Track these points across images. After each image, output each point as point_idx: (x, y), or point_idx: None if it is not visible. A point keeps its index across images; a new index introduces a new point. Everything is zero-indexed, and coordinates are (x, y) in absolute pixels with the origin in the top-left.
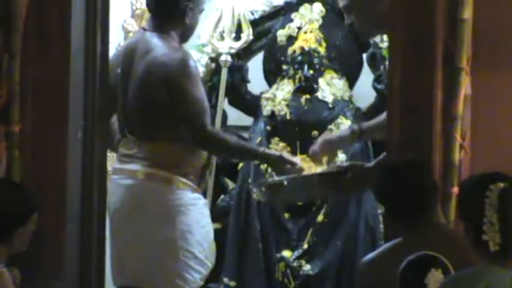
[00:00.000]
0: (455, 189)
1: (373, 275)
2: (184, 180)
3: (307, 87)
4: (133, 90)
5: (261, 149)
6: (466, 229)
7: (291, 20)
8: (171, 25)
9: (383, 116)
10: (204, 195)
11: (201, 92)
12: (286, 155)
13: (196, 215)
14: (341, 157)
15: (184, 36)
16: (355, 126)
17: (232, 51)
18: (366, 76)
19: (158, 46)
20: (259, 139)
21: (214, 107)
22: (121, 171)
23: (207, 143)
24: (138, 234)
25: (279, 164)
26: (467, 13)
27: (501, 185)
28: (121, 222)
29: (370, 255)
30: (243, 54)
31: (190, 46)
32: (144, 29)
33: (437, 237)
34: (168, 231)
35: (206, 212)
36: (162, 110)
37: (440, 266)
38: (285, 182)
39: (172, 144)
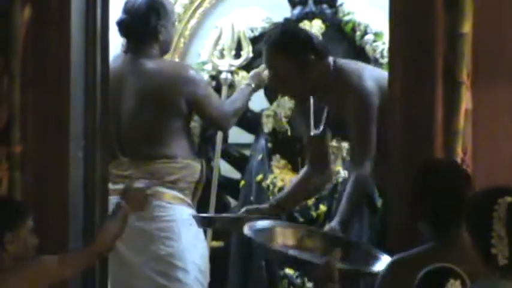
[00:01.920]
0: None
1: (404, 274)
2: (181, 196)
3: None
4: (132, 111)
5: (250, 86)
6: (474, 243)
7: None
8: (148, 45)
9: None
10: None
11: (211, 89)
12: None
13: (195, 230)
14: (342, 173)
15: (164, 50)
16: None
17: (233, 68)
18: None
19: (151, 65)
20: (260, 156)
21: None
22: (118, 191)
23: (231, 123)
24: (147, 250)
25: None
26: (467, 27)
27: (509, 199)
28: (122, 241)
29: (401, 255)
30: None
31: (190, 64)
32: (125, 52)
33: (467, 248)
34: (175, 245)
35: (201, 228)
36: (164, 127)
37: (459, 277)
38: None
39: (169, 162)
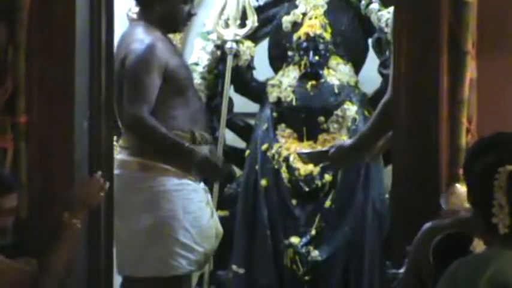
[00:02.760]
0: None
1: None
2: (166, 166)
3: (313, 73)
4: (115, 79)
5: (188, 144)
6: (475, 213)
7: (296, 6)
8: (149, 14)
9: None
10: (209, 183)
11: (150, 79)
12: (210, 156)
13: (182, 201)
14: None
15: (165, 25)
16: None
17: (238, 38)
18: (372, 61)
19: (133, 33)
20: (265, 126)
21: (220, 94)
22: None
23: (135, 128)
24: (125, 223)
25: (204, 164)
26: None
27: (510, 167)
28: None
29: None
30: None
31: (195, 34)
32: (133, 19)
33: None
34: (149, 218)
35: (196, 197)
36: None
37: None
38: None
39: None
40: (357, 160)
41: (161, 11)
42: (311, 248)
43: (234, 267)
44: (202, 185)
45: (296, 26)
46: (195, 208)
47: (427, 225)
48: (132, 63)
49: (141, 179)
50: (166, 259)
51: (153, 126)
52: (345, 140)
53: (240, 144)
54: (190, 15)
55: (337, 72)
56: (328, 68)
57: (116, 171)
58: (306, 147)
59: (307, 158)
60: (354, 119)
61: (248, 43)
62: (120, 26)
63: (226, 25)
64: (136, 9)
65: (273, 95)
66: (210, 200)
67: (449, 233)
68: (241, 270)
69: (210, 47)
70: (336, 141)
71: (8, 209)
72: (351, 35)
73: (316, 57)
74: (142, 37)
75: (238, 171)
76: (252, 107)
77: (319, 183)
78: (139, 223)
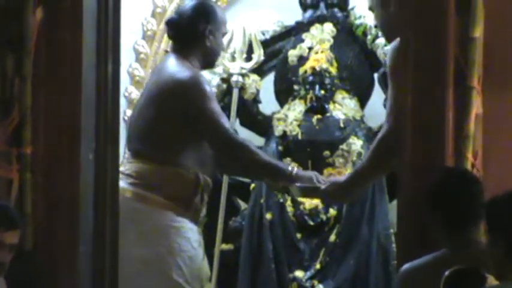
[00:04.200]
0: None
1: (415, 281)
2: (167, 202)
3: (319, 107)
4: (140, 107)
5: (292, 169)
6: (494, 242)
7: (302, 40)
8: (191, 49)
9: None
10: (213, 216)
11: (218, 106)
12: (318, 175)
13: (179, 238)
14: None
15: (207, 60)
16: None
17: (244, 71)
18: (378, 96)
19: (170, 65)
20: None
21: None
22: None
23: (234, 148)
24: (120, 253)
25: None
26: (478, 31)
27: None
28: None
29: (413, 263)
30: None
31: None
32: (166, 51)
33: (479, 254)
34: (145, 252)
35: (193, 237)
36: (161, 127)
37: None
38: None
39: (160, 166)
40: (351, 197)
41: (209, 46)
42: (316, 282)
43: None
44: (195, 226)
45: (302, 60)
46: (190, 247)
47: (404, 267)
48: (195, 98)
49: (140, 210)
50: None
51: (251, 148)
52: (339, 177)
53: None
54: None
55: (343, 107)
56: (334, 102)
57: None
58: None
59: (300, 192)
60: (360, 154)
61: (254, 77)
62: (126, 58)
63: (233, 58)
64: (143, 42)
65: (278, 129)
66: (202, 242)
67: (459, 269)
68: None
69: (216, 80)
70: (331, 178)
71: (9, 244)
72: (357, 70)
73: (322, 92)
74: (185, 69)
75: (243, 205)
76: (257, 140)
77: (324, 217)
78: (133, 255)
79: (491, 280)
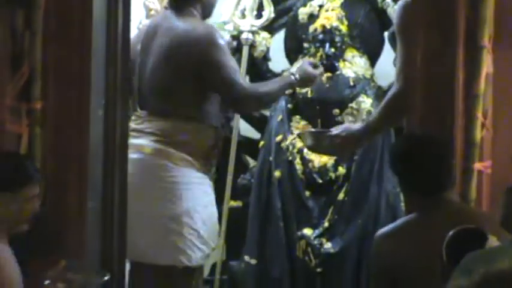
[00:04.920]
0: (477, 166)
1: (388, 247)
2: (189, 158)
3: (329, 65)
4: (154, 65)
5: (292, 77)
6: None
7: None
8: (189, 2)
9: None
10: (222, 173)
11: (232, 59)
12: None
13: (201, 194)
14: None
15: (205, 12)
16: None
17: (254, 29)
18: (388, 54)
19: (182, 23)
20: (280, 117)
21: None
22: (129, 145)
23: (251, 103)
24: (145, 209)
25: (309, 77)
26: None
27: None
28: (128, 196)
29: (385, 229)
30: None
31: (211, 24)
32: (165, 8)
33: (452, 214)
34: (173, 207)
35: (211, 192)
36: (183, 85)
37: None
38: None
39: (186, 122)
40: (359, 147)
41: (206, 1)
42: (324, 240)
43: (246, 257)
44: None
45: (312, 17)
46: (209, 203)
47: (377, 234)
48: (210, 52)
49: (165, 167)
50: (185, 249)
51: (258, 96)
52: (350, 125)
53: (255, 135)
54: None
55: (353, 65)
56: (344, 60)
57: (136, 156)
58: None
59: (311, 139)
60: (369, 112)
61: (264, 34)
62: (136, 14)
63: (243, 16)
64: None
65: None
66: None
67: (461, 229)
68: (254, 261)
69: (226, 37)
70: (341, 125)
71: (33, 196)
72: (367, 28)
73: (332, 50)
74: (199, 25)
75: (252, 162)
76: None
77: (332, 175)
78: (160, 210)
79: (493, 241)
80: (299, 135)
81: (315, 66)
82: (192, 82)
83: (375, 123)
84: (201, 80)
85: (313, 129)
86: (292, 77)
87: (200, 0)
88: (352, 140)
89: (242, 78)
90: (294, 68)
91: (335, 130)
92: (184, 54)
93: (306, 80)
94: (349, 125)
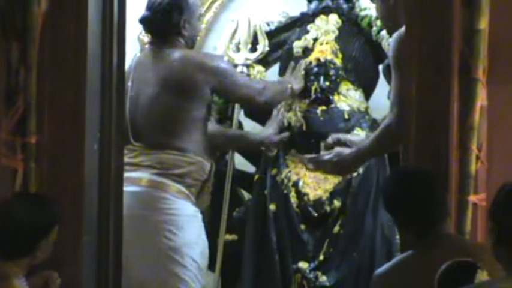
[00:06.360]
0: (472, 199)
1: (386, 287)
2: (186, 191)
3: (323, 98)
4: (151, 97)
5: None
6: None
7: (307, 32)
8: (173, 38)
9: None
10: (217, 207)
11: (237, 72)
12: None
13: (198, 226)
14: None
15: (189, 44)
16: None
17: (248, 62)
18: (382, 87)
19: (175, 53)
20: (275, 151)
21: (230, 118)
22: (126, 179)
23: (272, 103)
24: (147, 241)
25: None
26: (484, 23)
27: None
28: (125, 229)
29: (383, 268)
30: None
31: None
32: (150, 44)
33: (450, 248)
34: (175, 239)
35: (203, 226)
36: (179, 117)
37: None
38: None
39: (182, 155)
40: (350, 172)
41: (187, 34)
42: (319, 273)
43: None
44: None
45: (307, 51)
46: (204, 237)
47: (376, 273)
48: (219, 75)
49: (165, 199)
50: (189, 281)
51: (274, 94)
52: (342, 149)
53: (249, 168)
54: None
55: (348, 98)
56: (339, 93)
57: (133, 188)
58: (315, 173)
59: (309, 163)
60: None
61: (259, 67)
62: (131, 49)
63: (237, 49)
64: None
65: (283, 120)
66: None
67: (455, 262)
68: None
69: None
70: (335, 149)
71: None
72: (362, 61)
73: (327, 83)
74: (197, 53)
75: (247, 195)
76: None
77: (328, 208)
78: (163, 243)
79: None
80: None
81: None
82: (191, 113)
83: (366, 150)
84: (202, 110)
85: (307, 156)
86: (289, 87)
87: (181, 34)
88: (343, 164)
89: (256, 81)
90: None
91: (327, 155)
92: (186, 84)
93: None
94: (342, 149)
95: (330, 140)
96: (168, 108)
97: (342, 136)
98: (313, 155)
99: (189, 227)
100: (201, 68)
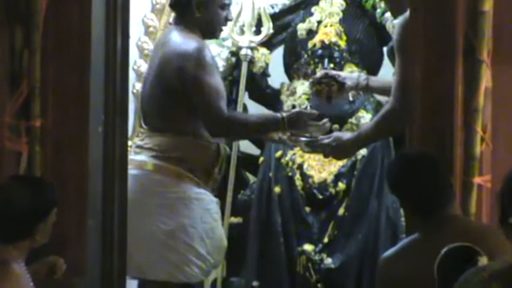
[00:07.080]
0: (477, 180)
1: (392, 271)
2: (189, 174)
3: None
4: (149, 81)
5: (280, 115)
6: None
7: (311, 14)
8: (188, 20)
9: (389, 80)
10: (222, 190)
11: (216, 80)
12: (303, 110)
13: (200, 210)
14: (361, 151)
15: (205, 31)
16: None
17: (253, 45)
18: (386, 69)
19: (173, 38)
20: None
21: (234, 101)
22: (131, 162)
23: (226, 130)
24: (142, 225)
25: (300, 120)
26: (488, 5)
27: None
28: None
29: (389, 252)
30: None
31: (210, 40)
32: (170, 23)
33: (456, 230)
34: (169, 223)
35: (213, 208)
36: (174, 101)
37: (483, 254)
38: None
39: (181, 138)
40: (350, 155)
41: (201, 17)
42: (324, 255)
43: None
44: (215, 198)
45: (311, 33)
46: (211, 219)
47: (383, 257)
48: (191, 70)
49: (163, 183)
50: (180, 265)
51: (239, 124)
52: (341, 134)
53: (254, 151)
54: (226, 21)
55: None
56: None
57: (135, 172)
58: (319, 155)
59: (305, 146)
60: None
61: (263, 50)
62: (135, 31)
63: (242, 32)
64: (152, 15)
65: (287, 103)
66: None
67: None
68: (255, 283)
69: (225, 53)
70: (334, 133)
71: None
72: (366, 43)
73: (331, 65)
74: (189, 41)
75: (252, 178)
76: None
77: (332, 190)
78: (157, 226)
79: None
80: (293, 142)
81: (319, 118)
82: (182, 98)
83: (367, 134)
84: (188, 97)
85: (304, 138)
86: (279, 115)
87: (196, 18)
88: (342, 149)
89: (223, 101)
90: (286, 114)
91: (326, 139)
92: (170, 71)
93: (294, 121)
94: (341, 134)
95: (318, 75)
96: (160, 94)
97: (330, 71)
98: (310, 138)
99: (185, 211)
100: (177, 54)
